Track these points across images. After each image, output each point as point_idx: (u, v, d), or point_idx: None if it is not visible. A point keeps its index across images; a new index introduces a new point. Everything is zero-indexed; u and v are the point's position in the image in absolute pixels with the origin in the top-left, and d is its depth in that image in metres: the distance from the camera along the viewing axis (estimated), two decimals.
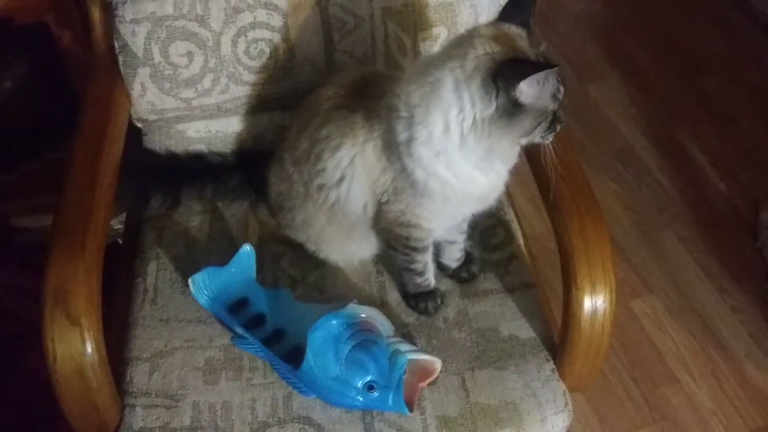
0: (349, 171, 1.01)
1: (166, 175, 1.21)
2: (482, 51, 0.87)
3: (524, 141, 0.93)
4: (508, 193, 1.26)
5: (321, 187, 1.04)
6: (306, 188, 1.07)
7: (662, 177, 1.93)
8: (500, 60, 0.86)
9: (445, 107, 0.89)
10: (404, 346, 1.00)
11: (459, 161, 0.93)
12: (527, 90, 0.86)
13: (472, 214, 1.10)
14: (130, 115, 1.21)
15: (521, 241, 1.20)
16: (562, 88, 0.90)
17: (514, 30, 0.90)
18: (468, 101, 0.88)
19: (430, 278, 1.11)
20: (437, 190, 0.96)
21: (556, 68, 0.86)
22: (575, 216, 1.01)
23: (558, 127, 0.93)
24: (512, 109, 0.87)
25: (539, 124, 0.90)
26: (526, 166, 1.11)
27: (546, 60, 0.90)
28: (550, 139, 0.93)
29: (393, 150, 0.96)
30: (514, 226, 1.22)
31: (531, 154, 1.10)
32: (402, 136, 0.93)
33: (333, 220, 1.08)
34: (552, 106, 0.89)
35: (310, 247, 1.14)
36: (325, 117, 1.02)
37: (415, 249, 1.06)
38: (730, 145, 2.00)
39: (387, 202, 1.01)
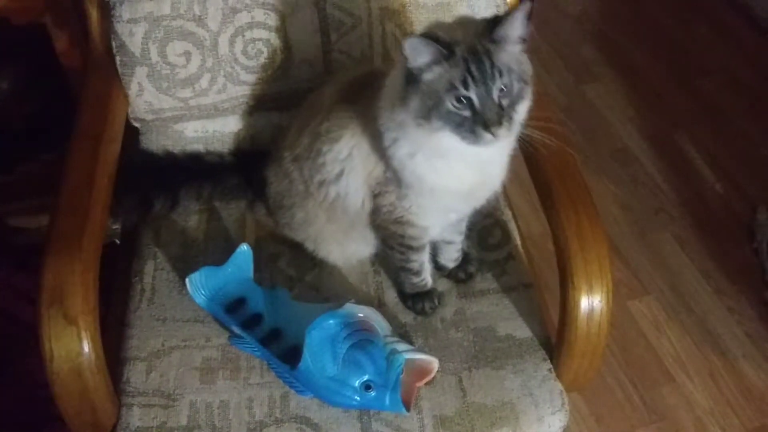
0: (348, 163, 1.01)
1: (164, 176, 1.20)
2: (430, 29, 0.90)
3: (425, 125, 0.88)
4: (505, 193, 1.26)
5: (321, 184, 1.04)
6: (306, 186, 1.07)
7: (659, 178, 1.94)
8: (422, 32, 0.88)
9: (393, 81, 0.91)
10: (401, 346, 1.00)
11: (417, 151, 0.93)
12: (411, 55, 0.85)
13: (469, 214, 1.10)
14: (127, 115, 1.21)
15: (518, 241, 1.20)
16: (471, 84, 0.85)
17: (473, 22, 0.91)
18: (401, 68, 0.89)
19: (427, 278, 1.11)
20: (412, 181, 0.96)
21: (463, 60, 0.85)
22: (572, 216, 1.01)
23: (483, 134, 0.86)
24: (410, 80, 0.88)
25: (431, 110, 0.87)
26: (523, 166, 1.12)
27: (475, 49, 0.86)
28: (473, 143, 0.88)
29: (379, 140, 0.96)
30: (512, 226, 1.22)
31: (528, 155, 1.11)
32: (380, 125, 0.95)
33: (332, 218, 1.08)
34: (448, 94, 0.86)
35: (309, 246, 1.14)
36: (326, 113, 1.03)
37: (410, 248, 1.06)
38: (727, 146, 2.00)
39: (378, 194, 1.01)
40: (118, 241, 1.30)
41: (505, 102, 0.87)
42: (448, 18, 1.21)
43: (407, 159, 0.94)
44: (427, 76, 0.87)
